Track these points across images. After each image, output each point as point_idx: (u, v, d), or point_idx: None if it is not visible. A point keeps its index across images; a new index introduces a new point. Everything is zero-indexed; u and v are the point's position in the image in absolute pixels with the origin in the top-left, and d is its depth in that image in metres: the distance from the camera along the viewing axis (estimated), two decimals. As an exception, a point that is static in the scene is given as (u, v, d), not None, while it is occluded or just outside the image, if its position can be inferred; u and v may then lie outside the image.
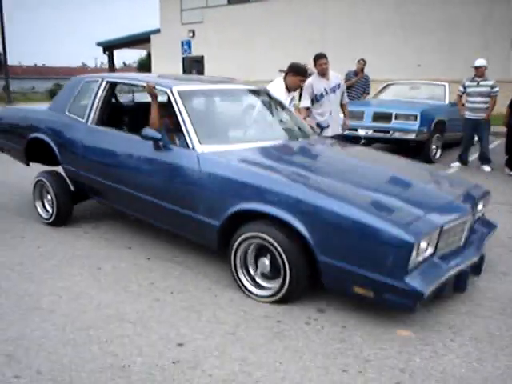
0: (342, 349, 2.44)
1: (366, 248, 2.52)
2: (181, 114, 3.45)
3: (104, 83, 4.20)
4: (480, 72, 7.02)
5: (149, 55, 27.80)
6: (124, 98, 5.23)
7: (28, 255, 3.65)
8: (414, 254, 2.44)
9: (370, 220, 2.52)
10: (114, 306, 2.87)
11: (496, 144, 9.12)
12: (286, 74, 4.75)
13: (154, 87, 3.69)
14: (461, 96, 7.39)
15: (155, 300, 2.95)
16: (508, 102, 7.05)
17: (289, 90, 4.75)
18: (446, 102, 8.74)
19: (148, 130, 3.43)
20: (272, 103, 4.38)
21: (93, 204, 4.74)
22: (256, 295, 2.96)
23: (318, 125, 4.71)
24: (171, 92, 3.58)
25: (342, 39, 15.99)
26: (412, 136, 7.61)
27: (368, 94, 9.47)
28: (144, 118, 3.92)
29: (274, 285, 2.90)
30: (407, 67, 14.31)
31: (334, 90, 5.24)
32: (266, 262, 2.91)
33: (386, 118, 7.82)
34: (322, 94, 5.17)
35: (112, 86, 4.31)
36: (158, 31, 23.05)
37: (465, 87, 7.21)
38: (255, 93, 4.39)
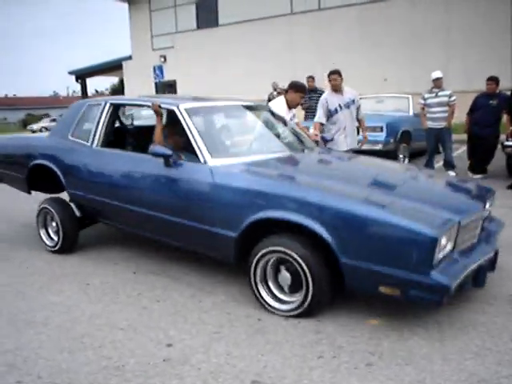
0: (317, 339, 2.67)
1: (390, 246, 2.56)
2: (190, 129, 3.48)
3: (107, 106, 4.22)
4: (438, 83, 7.44)
5: (121, 82, 28.03)
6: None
7: (18, 276, 3.81)
8: (437, 249, 2.48)
9: (392, 218, 2.57)
10: (104, 315, 3.06)
11: (461, 151, 9.56)
12: (287, 92, 5.03)
13: (159, 106, 3.76)
14: (423, 108, 7.77)
15: (143, 308, 3.15)
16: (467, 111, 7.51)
17: (290, 107, 4.98)
18: (411, 113, 9.21)
19: (157, 147, 3.45)
20: (274, 118, 4.46)
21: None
22: (278, 310, 2.98)
23: (323, 138, 5.04)
24: (178, 109, 3.61)
25: (310, 57, 16.49)
26: (379, 147, 8.00)
27: None
28: (148, 139, 3.87)
29: (296, 298, 2.93)
30: (374, 82, 14.84)
31: (348, 106, 5.47)
32: (287, 275, 2.92)
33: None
34: (336, 109, 5.42)
35: (115, 108, 4.31)
36: (129, 58, 23.37)
37: (425, 99, 7.62)
38: (257, 108, 4.50)
